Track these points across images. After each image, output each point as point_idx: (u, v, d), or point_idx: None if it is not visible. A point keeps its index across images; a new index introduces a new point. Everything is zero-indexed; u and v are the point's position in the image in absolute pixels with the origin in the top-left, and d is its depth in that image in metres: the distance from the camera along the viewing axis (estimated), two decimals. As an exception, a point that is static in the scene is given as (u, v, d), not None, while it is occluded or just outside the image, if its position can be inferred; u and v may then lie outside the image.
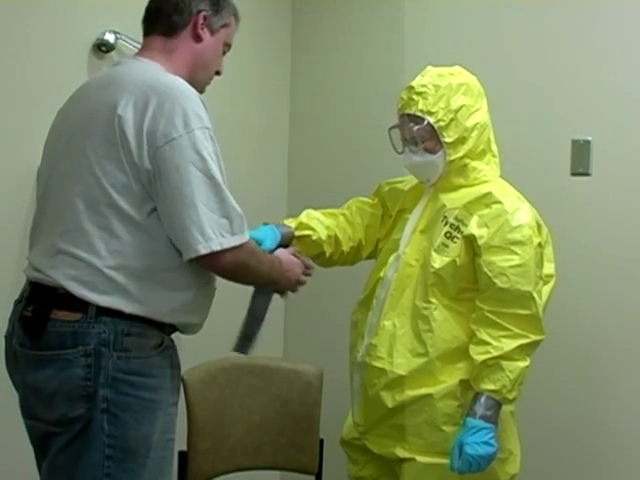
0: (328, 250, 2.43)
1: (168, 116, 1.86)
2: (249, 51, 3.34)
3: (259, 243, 2.21)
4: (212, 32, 2.10)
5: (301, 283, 2.25)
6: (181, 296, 1.97)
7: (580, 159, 2.85)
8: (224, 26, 2.12)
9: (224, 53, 2.18)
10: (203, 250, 1.86)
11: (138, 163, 1.86)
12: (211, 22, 2.09)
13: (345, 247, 2.46)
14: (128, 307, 1.90)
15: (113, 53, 2.77)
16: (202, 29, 2.08)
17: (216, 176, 1.89)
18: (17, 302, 2.01)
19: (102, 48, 2.76)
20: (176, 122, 1.86)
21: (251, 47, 3.34)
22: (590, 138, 2.83)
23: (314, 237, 2.39)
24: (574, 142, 2.86)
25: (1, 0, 2.53)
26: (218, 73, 2.18)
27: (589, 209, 2.85)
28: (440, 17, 3.18)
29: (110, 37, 2.75)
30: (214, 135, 1.93)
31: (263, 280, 2.14)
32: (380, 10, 3.31)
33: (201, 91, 2.08)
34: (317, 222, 2.41)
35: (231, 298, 3.20)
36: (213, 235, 1.87)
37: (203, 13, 2.07)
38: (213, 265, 1.92)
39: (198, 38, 2.08)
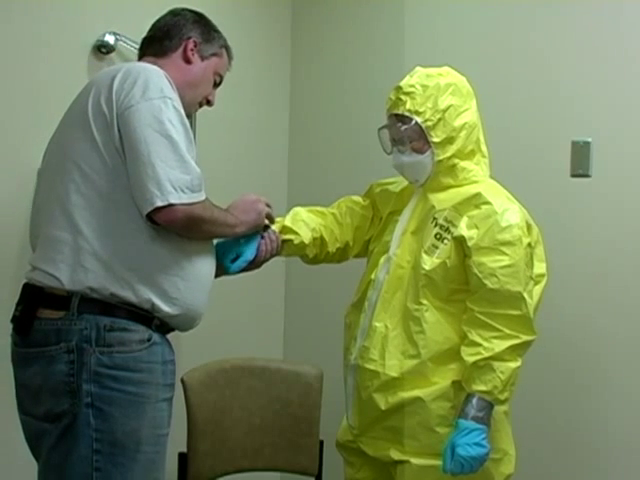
0: (312, 252, 2.42)
1: (128, 87, 1.95)
2: (249, 51, 3.34)
3: (239, 254, 2.24)
4: (202, 58, 2.20)
5: (264, 216, 2.25)
6: (164, 279, 1.98)
7: (580, 160, 2.84)
8: (214, 55, 2.22)
9: (217, 85, 2.25)
10: (159, 202, 1.89)
11: (111, 132, 1.94)
12: (201, 49, 2.20)
13: (331, 248, 2.46)
14: (114, 287, 1.94)
15: (113, 54, 2.78)
16: (192, 54, 2.18)
17: (174, 136, 1.93)
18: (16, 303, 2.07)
19: (102, 49, 2.76)
20: (135, 92, 1.94)
21: (251, 47, 3.34)
22: (590, 139, 2.83)
23: (296, 241, 2.38)
24: (574, 143, 2.85)
25: (1, 1, 2.53)
26: (209, 103, 2.26)
27: (589, 210, 2.84)
28: (440, 17, 3.18)
29: (110, 39, 2.75)
30: (179, 107, 1.99)
31: (220, 233, 2.15)
32: (380, 10, 3.31)
33: (188, 113, 2.14)
34: (302, 224, 2.40)
35: (230, 300, 3.22)
36: (172, 189, 1.90)
37: (193, 39, 2.18)
38: (169, 219, 1.93)
39: (188, 61, 2.17)
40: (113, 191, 1.95)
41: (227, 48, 2.27)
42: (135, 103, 1.93)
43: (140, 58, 2.21)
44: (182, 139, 1.95)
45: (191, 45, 2.17)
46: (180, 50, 2.17)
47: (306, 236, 2.39)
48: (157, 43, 2.18)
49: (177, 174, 1.91)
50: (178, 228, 1.97)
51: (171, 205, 1.90)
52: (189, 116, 2.22)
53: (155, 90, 1.95)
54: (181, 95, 2.08)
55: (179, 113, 1.98)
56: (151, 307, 1.98)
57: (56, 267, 1.95)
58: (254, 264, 2.30)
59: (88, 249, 1.94)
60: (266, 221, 2.27)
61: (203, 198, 1.98)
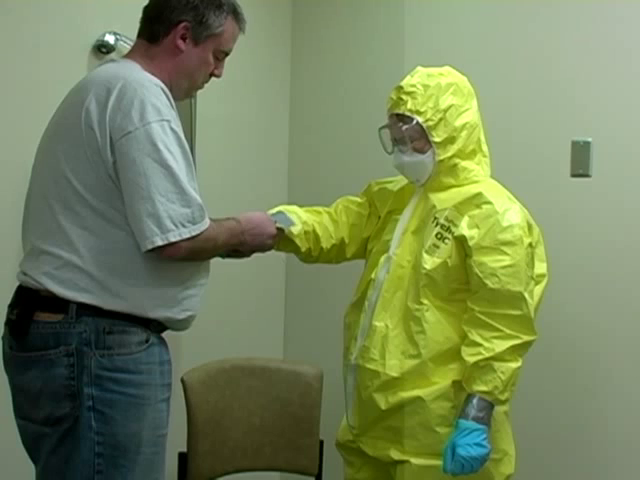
0: (303, 246, 2.40)
1: (125, 109, 1.89)
2: (249, 51, 3.34)
3: None
4: (196, 42, 2.06)
5: (270, 242, 2.27)
6: (164, 291, 1.98)
7: (580, 160, 2.84)
8: (212, 36, 2.07)
9: (219, 59, 2.13)
10: (160, 241, 1.88)
11: (103, 156, 1.90)
12: (195, 33, 2.05)
13: (325, 244, 2.44)
14: (109, 304, 1.92)
15: (113, 54, 2.78)
16: (183, 40, 2.05)
17: (173, 166, 1.89)
18: (9, 305, 2.05)
19: (102, 49, 2.76)
20: (132, 115, 1.88)
21: (251, 47, 3.34)
22: (590, 139, 2.83)
23: (285, 230, 2.36)
24: (574, 143, 2.85)
25: (2, 1, 2.53)
26: (215, 75, 2.15)
27: (589, 210, 2.84)
28: (440, 17, 3.18)
29: (110, 38, 2.75)
30: (177, 127, 1.93)
31: (222, 252, 2.16)
32: (380, 10, 3.31)
33: (186, 97, 2.12)
34: (294, 216, 2.39)
35: (230, 300, 3.22)
36: (172, 226, 1.88)
37: (184, 24, 2.04)
38: (170, 255, 1.92)
39: (177, 49, 2.05)
40: (107, 210, 1.92)
41: (235, 14, 2.12)
42: (133, 129, 1.87)
43: (138, 36, 2.11)
44: (181, 167, 1.91)
45: (181, 31, 2.03)
46: (171, 36, 2.05)
47: (295, 227, 2.37)
48: (149, 24, 2.08)
49: (177, 208, 1.89)
50: (178, 261, 1.96)
51: (170, 243, 1.89)
52: (192, 96, 2.14)
53: (152, 113, 1.89)
54: (177, 86, 2.05)
55: (177, 135, 1.93)
56: (153, 317, 1.98)
57: (49, 282, 1.93)
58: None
59: (83, 268, 1.92)
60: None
61: (205, 227, 1.95)
